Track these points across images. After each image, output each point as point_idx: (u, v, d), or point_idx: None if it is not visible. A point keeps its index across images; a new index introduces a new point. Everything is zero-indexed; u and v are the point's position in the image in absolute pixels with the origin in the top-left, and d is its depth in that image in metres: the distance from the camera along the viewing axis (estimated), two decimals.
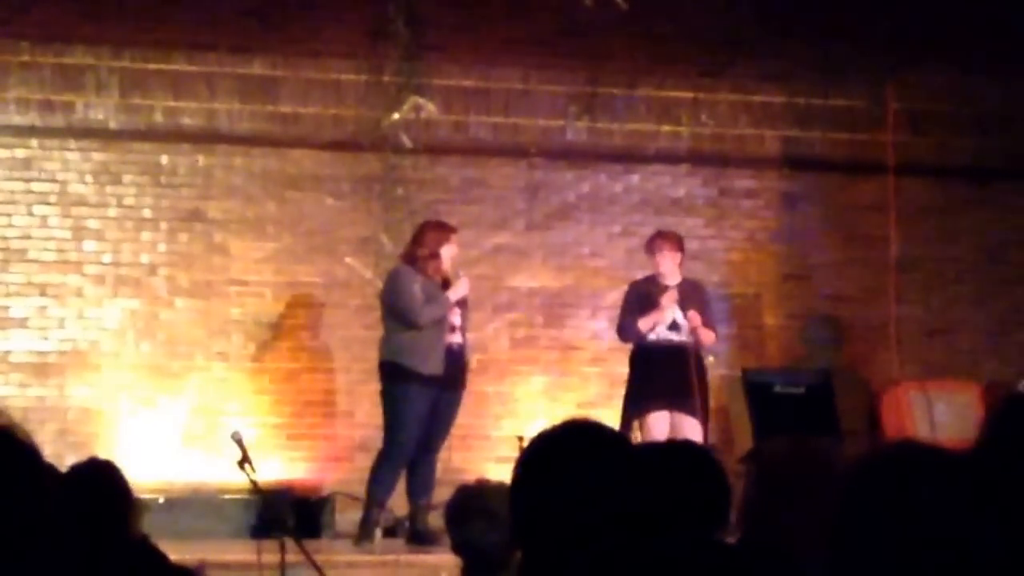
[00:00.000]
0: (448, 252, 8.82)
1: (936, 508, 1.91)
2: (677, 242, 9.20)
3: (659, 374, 8.91)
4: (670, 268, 9.09)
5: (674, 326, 9.02)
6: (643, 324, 8.98)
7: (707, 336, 9.05)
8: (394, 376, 8.64)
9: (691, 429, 8.74)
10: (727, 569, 2.40)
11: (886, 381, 10.58)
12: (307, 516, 9.28)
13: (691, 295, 9.10)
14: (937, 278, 11.06)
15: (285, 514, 7.60)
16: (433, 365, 8.57)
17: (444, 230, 8.91)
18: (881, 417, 10.32)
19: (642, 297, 9.06)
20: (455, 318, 8.77)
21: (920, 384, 10.35)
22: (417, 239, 8.88)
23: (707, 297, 9.33)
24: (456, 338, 8.78)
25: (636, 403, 8.99)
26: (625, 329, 9.12)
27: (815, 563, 2.29)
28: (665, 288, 9.02)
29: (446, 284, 8.79)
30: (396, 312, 8.68)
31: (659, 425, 8.82)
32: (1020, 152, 11.04)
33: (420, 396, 8.56)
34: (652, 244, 9.21)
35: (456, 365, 8.75)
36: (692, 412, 8.81)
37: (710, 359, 9.42)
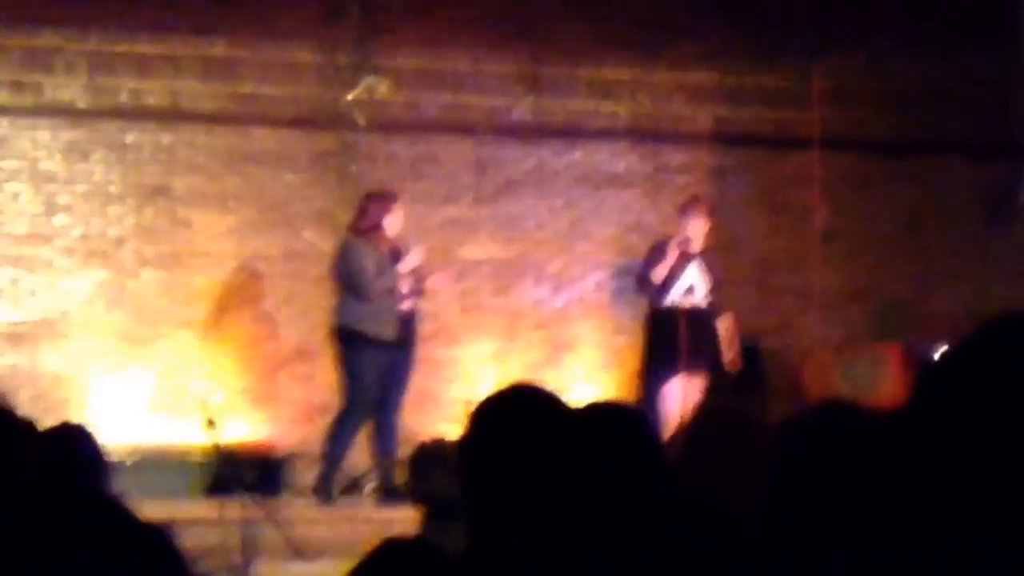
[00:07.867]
0: (391, 222, 8.77)
1: (857, 464, 1.95)
2: (708, 211, 9.24)
3: (674, 338, 8.91)
4: (697, 233, 9.10)
5: (690, 290, 9.07)
6: (655, 274, 9.00)
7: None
8: (351, 341, 8.63)
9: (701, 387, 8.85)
10: (658, 520, 2.43)
11: (810, 343, 10.66)
12: (269, 475, 9.28)
13: (711, 264, 9.16)
14: (858, 246, 11.14)
15: (246, 474, 7.60)
16: (388, 331, 8.58)
17: (385, 200, 8.85)
18: (805, 378, 10.40)
19: (662, 253, 9.08)
20: (406, 286, 8.77)
21: (842, 347, 10.43)
22: (361, 211, 8.83)
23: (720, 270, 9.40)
24: (408, 304, 8.80)
25: (655, 373, 9.00)
26: (642, 278, 9.15)
27: (747, 513, 2.33)
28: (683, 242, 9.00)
29: (395, 252, 8.76)
30: (350, 284, 8.66)
31: (674, 390, 8.83)
32: (936, 128, 11.13)
33: (375, 359, 8.56)
34: (687, 207, 9.23)
35: (408, 329, 8.76)
36: (701, 372, 8.87)
37: None
